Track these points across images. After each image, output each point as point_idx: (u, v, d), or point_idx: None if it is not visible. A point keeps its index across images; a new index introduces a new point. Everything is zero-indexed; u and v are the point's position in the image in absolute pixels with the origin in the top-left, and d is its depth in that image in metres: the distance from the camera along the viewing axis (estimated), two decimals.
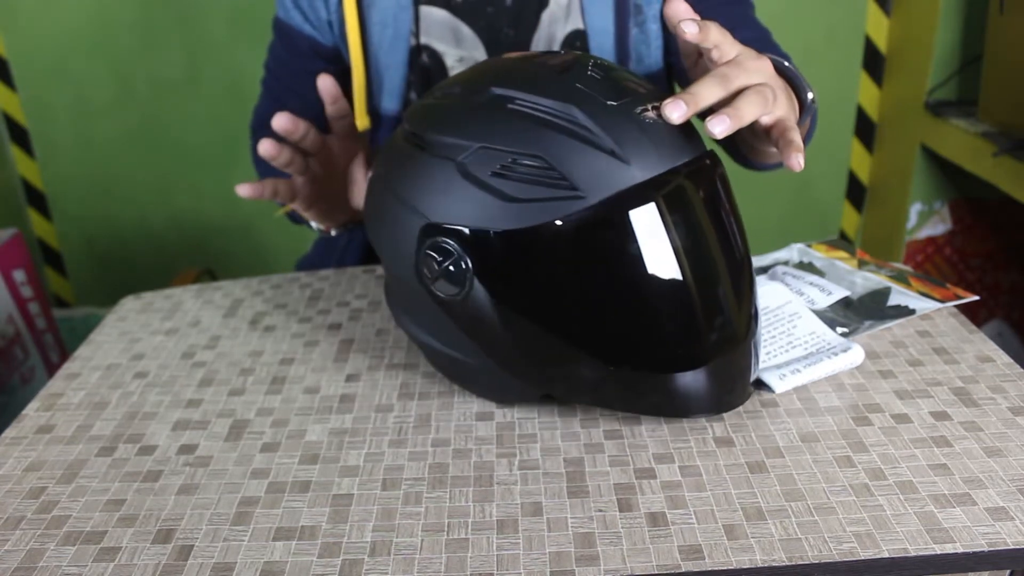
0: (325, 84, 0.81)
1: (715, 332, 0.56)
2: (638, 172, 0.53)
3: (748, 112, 0.53)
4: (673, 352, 0.56)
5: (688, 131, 0.56)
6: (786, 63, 0.65)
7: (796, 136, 0.55)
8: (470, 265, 0.54)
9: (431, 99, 0.60)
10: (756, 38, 0.90)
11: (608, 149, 0.53)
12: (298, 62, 0.97)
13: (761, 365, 0.63)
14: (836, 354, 0.64)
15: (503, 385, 0.61)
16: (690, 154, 0.55)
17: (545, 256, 0.53)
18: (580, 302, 0.54)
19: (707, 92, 0.53)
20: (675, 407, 0.57)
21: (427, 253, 0.56)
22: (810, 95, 0.66)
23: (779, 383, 0.62)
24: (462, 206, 0.54)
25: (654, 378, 0.56)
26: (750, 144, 0.69)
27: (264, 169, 0.99)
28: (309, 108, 0.99)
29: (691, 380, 0.56)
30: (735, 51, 0.56)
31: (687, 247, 0.54)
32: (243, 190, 0.74)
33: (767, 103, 0.55)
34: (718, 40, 0.55)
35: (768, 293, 0.70)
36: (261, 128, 1.02)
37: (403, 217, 0.57)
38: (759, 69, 0.56)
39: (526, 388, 0.60)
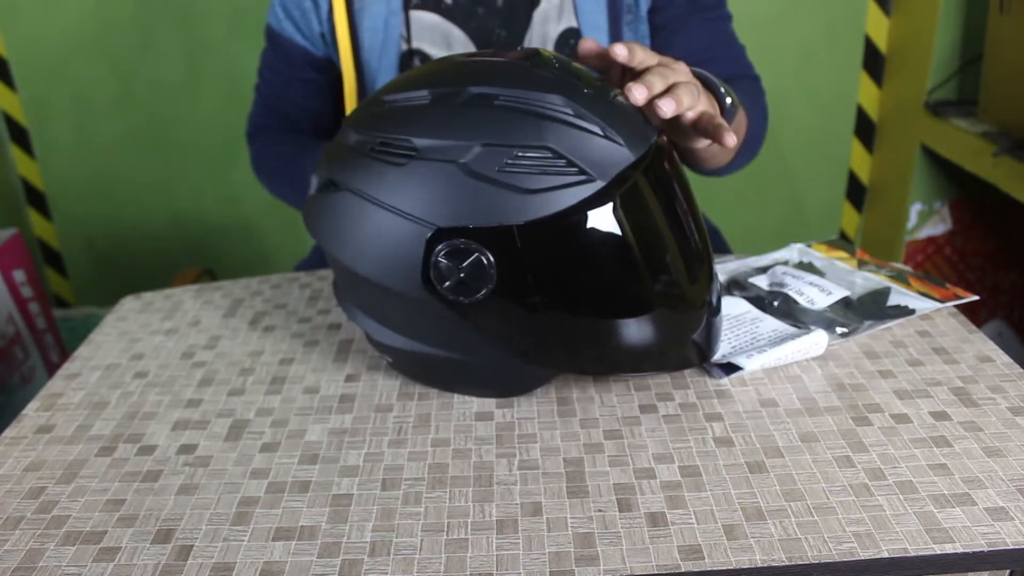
0: None
1: (703, 281, 0.61)
2: (629, 151, 0.56)
3: (685, 99, 0.62)
4: (688, 303, 0.60)
5: (644, 112, 0.61)
6: (705, 72, 0.72)
7: (722, 120, 0.64)
8: (492, 262, 0.54)
9: (392, 106, 0.58)
10: (721, 46, 0.94)
11: (602, 133, 0.56)
12: (291, 71, 0.97)
13: (729, 357, 0.65)
14: (799, 336, 0.66)
15: (510, 378, 0.62)
16: (655, 132, 0.60)
17: (569, 240, 0.55)
18: (604, 275, 0.57)
19: (655, 82, 0.62)
20: (698, 356, 0.62)
21: (440, 260, 0.55)
22: (728, 100, 0.73)
23: (747, 361, 0.64)
24: (475, 206, 0.54)
25: (676, 332, 0.60)
26: (688, 151, 0.77)
27: (267, 177, 0.99)
28: (302, 113, 0.99)
29: (701, 331, 0.61)
30: (656, 59, 0.65)
31: (676, 210, 0.59)
32: None
33: (695, 96, 0.64)
34: (643, 58, 0.65)
35: (729, 304, 0.72)
36: (258, 134, 1.02)
37: (399, 229, 0.56)
38: (683, 71, 0.66)
39: (538, 375, 0.62)
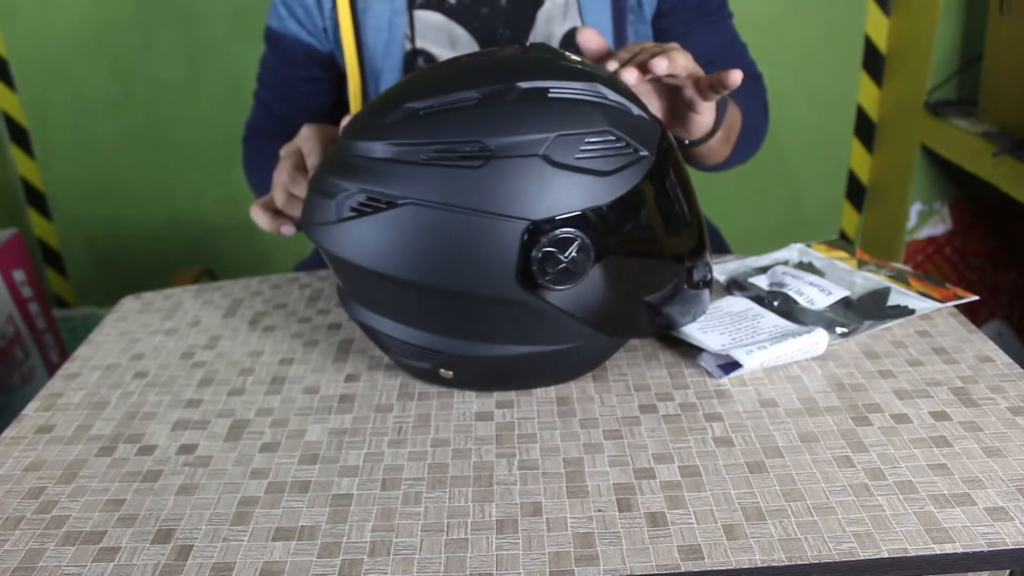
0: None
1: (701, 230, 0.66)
2: (656, 124, 0.61)
3: (679, 59, 0.66)
4: (705, 254, 0.65)
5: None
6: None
7: (713, 75, 0.68)
8: (591, 245, 0.56)
9: (433, 111, 0.56)
10: (724, 47, 0.95)
11: (636, 111, 0.60)
12: (292, 70, 0.96)
13: (729, 347, 0.66)
14: (800, 335, 0.65)
15: (584, 358, 0.64)
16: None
17: (642, 211, 0.59)
18: (665, 237, 0.61)
19: (651, 47, 0.69)
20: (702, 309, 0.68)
21: (541, 252, 0.55)
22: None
23: (747, 357, 0.63)
24: (567, 193, 0.55)
25: (693, 281, 0.65)
26: (688, 151, 0.82)
27: (257, 179, 0.99)
28: (301, 116, 0.99)
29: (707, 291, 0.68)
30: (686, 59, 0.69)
31: (684, 172, 0.64)
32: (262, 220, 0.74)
33: (691, 59, 0.68)
34: (633, 47, 0.70)
35: (731, 303, 0.72)
36: (253, 138, 1.02)
37: (487, 231, 0.55)
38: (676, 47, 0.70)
39: (604, 352, 0.65)
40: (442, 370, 0.62)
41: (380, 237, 0.56)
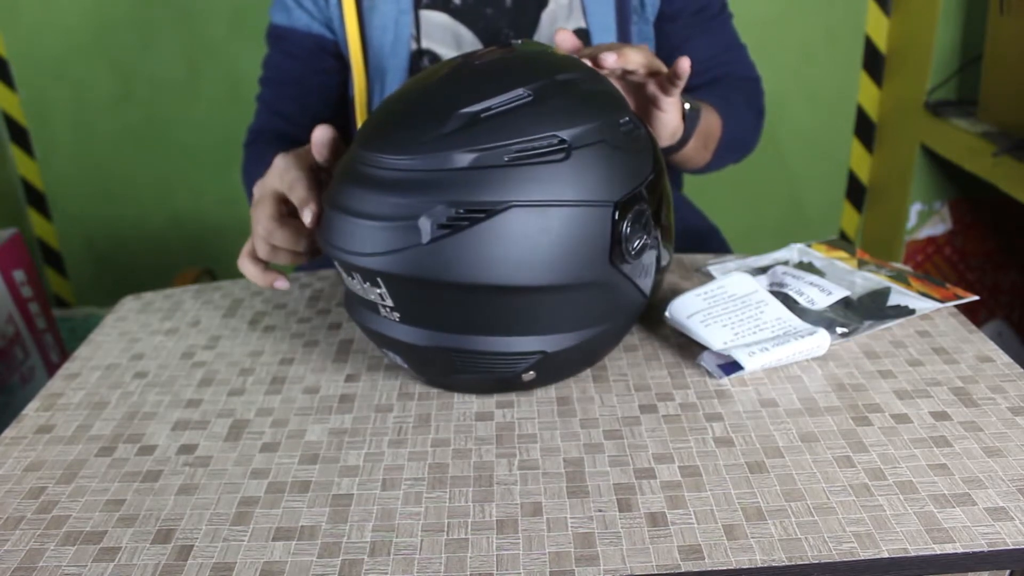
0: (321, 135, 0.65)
1: None
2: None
3: (631, 54, 0.70)
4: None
5: None
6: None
7: (670, 69, 0.71)
8: (650, 216, 0.60)
9: (494, 113, 0.55)
10: (724, 50, 0.95)
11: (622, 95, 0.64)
12: (301, 66, 0.95)
13: (730, 345, 0.66)
14: (803, 336, 0.65)
15: (621, 335, 0.66)
16: None
17: (660, 184, 0.63)
18: (668, 208, 0.66)
19: (607, 45, 0.72)
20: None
21: (627, 228, 0.57)
22: (686, 105, 0.79)
23: (748, 359, 0.63)
24: (628, 173, 0.59)
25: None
26: (668, 161, 0.85)
27: (252, 187, 0.95)
28: (309, 113, 0.97)
29: None
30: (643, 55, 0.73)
31: None
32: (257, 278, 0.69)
33: (646, 55, 0.71)
34: (597, 46, 0.73)
35: (736, 282, 0.71)
36: (256, 142, 0.99)
37: (582, 219, 0.56)
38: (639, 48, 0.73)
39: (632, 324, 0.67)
40: (524, 375, 0.61)
41: (484, 247, 0.54)
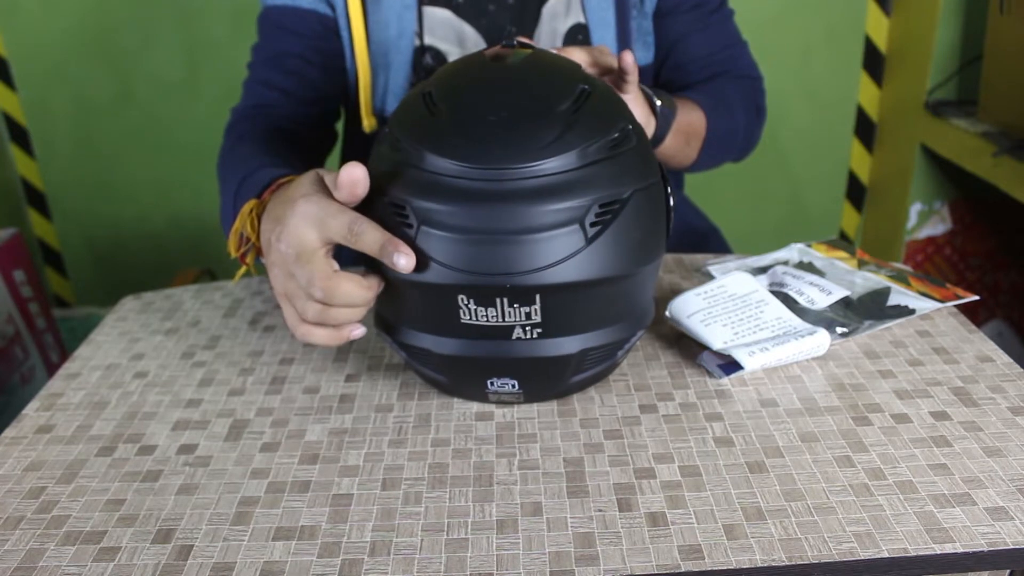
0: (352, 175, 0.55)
1: None
2: None
3: (575, 52, 0.71)
4: None
5: None
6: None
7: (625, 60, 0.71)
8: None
9: (578, 109, 0.56)
10: (723, 47, 0.95)
11: None
12: (304, 42, 0.89)
13: (731, 344, 0.65)
14: (803, 336, 0.65)
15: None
16: None
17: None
18: None
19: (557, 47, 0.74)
20: None
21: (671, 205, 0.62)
22: (658, 102, 0.79)
23: (748, 359, 0.63)
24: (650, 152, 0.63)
25: None
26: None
27: (226, 173, 0.79)
28: (308, 87, 0.90)
29: None
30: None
31: None
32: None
33: (597, 53, 0.72)
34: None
35: (736, 282, 0.72)
36: (239, 123, 0.89)
37: (661, 198, 0.61)
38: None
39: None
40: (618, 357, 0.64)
41: (624, 236, 0.55)
